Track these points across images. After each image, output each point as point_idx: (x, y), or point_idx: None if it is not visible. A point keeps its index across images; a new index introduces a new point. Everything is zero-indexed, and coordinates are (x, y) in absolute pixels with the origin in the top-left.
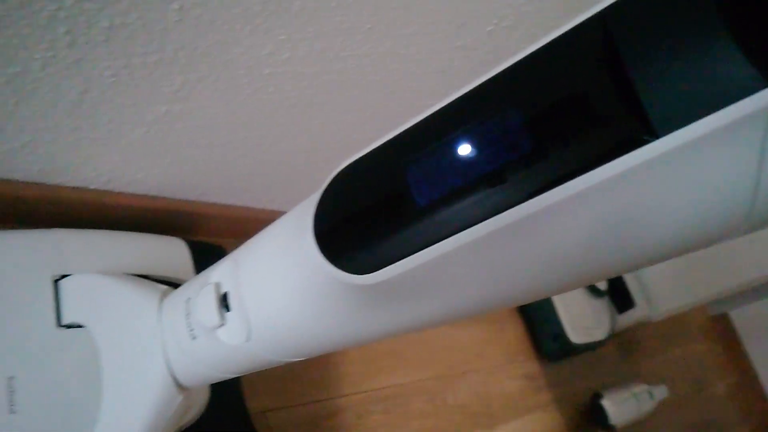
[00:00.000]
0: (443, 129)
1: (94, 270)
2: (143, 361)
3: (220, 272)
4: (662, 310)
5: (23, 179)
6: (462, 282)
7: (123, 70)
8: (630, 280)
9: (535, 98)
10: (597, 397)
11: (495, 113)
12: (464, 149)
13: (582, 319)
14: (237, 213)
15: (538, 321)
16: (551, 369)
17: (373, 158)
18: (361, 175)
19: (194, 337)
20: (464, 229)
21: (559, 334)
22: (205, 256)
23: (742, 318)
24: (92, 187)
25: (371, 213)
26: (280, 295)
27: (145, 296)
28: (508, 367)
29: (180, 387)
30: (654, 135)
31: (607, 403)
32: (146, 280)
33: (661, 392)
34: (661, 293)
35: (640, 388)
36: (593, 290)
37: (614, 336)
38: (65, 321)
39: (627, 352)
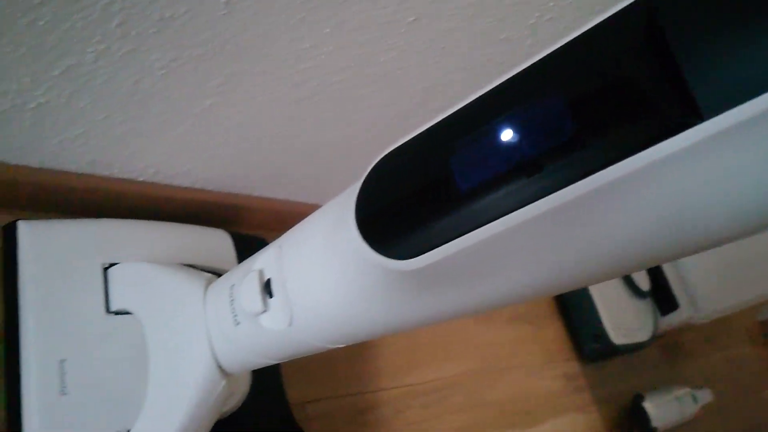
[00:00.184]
0: (488, 114)
1: (142, 259)
2: (188, 346)
3: (263, 260)
4: (707, 313)
5: (75, 170)
6: (502, 268)
7: (172, 63)
8: (674, 282)
9: (579, 81)
10: (639, 398)
11: (540, 97)
12: (508, 134)
13: (624, 320)
14: (279, 206)
15: (578, 321)
16: (592, 370)
17: (415, 145)
18: (403, 161)
19: (238, 323)
20: (507, 214)
21: (600, 335)
22: (248, 247)
23: None
24: (140, 179)
25: (413, 198)
26: (322, 281)
27: (191, 283)
28: (548, 367)
29: (223, 372)
30: (700, 117)
31: (649, 406)
32: (192, 269)
33: (704, 396)
34: (706, 295)
35: (683, 391)
36: (636, 291)
37: (657, 338)
38: (114, 308)
39: (670, 354)
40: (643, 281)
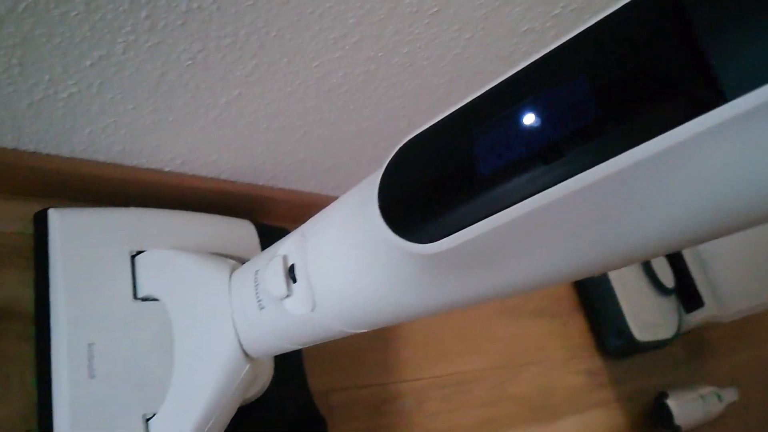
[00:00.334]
0: (512, 97)
1: (168, 247)
2: (213, 330)
3: (287, 245)
4: (733, 311)
5: (104, 160)
6: (524, 252)
7: (199, 54)
8: (699, 279)
9: (602, 63)
10: (662, 396)
11: (563, 79)
12: (532, 117)
13: (647, 317)
14: (304, 198)
15: (602, 317)
16: (615, 366)
17: (438, 129)
18: (426, 145)
19: (262, 308)
20: (529, 198)
21: (624, 331)
22: (272, 238)
23: None
24: (167, 169)
25: (435, 182)
26: (344, 266)
27: (217, 269)
28: (571, 362)
29: (247, 357)
30: (723, 98)
31: (673, 403)
32: (217, 255)
33: (730, 395)
34: (732, 293)
35: (707, 390)
36: (660, 287)
37: (681, 335)
38: (141, 294)
39: (695, 352)
40: (668, 278)
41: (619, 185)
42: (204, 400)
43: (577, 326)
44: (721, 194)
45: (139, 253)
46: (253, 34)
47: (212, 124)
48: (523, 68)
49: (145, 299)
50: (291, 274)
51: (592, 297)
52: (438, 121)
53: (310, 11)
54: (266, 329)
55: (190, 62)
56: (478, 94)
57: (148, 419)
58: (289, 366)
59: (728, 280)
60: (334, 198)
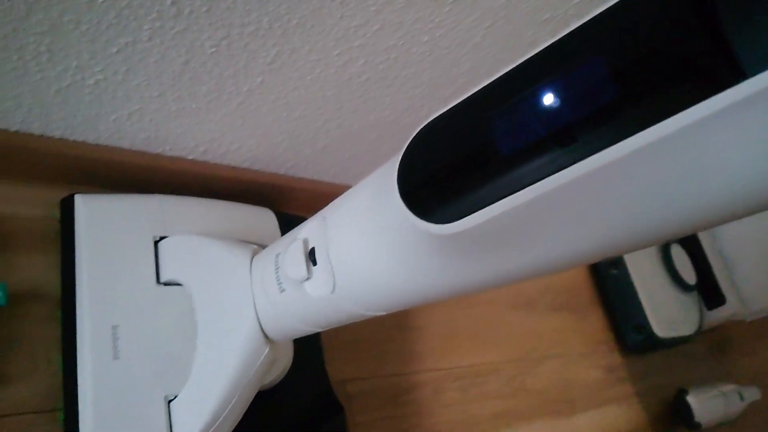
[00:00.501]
0: (531, 77)
1: (190, 233)
2: (235, 313)
3: (308, 229)
4: (755, 309)
5: (129, 147)
6: (542, 233)
7: (223, 41)
8: (721, 276)
9: (620, 42)
10: (682, 392)
11: (583, 59)
12: (552, 97)
13: (668, 313)
14: (323, 188)
15: (621, 312)
16: (634, 362)
17: (457, 111)
18: (445, 127)
19: (282, 290)
20: (548, 177)
21: (644, 326)
22: (292, 226)
23: None
24: (190, 157)
25: (454, 162)
26: (364, 248)
27: (238, 253)
28: (590, 357)
29: (267, 339)
30: (743, 76)
31: (693, 400)
32: (239, 240)
33: (752, 394)
34: (754, 291)
35: (729, 388)
36: (681, 284)
37: (702, 333)
38: (164, 278)
39: (716, 350)
40: (689, 274)
41: (639, 166)
42: (224, 381)
43: (595, 321)
44: (741, 174)
45: (162, 238)
46: (275, 21)
47: (235, 112)
48: (541, 51)
49: (167, 283)
50: (311, 257)
51: (612, 292)
52: (456, 104)
53: None
54: (286, 311)
55: (213, 49)
56: (497, 75)
57: (170, 401)
58: (308, 354)
59: (751, 278)
60: None
